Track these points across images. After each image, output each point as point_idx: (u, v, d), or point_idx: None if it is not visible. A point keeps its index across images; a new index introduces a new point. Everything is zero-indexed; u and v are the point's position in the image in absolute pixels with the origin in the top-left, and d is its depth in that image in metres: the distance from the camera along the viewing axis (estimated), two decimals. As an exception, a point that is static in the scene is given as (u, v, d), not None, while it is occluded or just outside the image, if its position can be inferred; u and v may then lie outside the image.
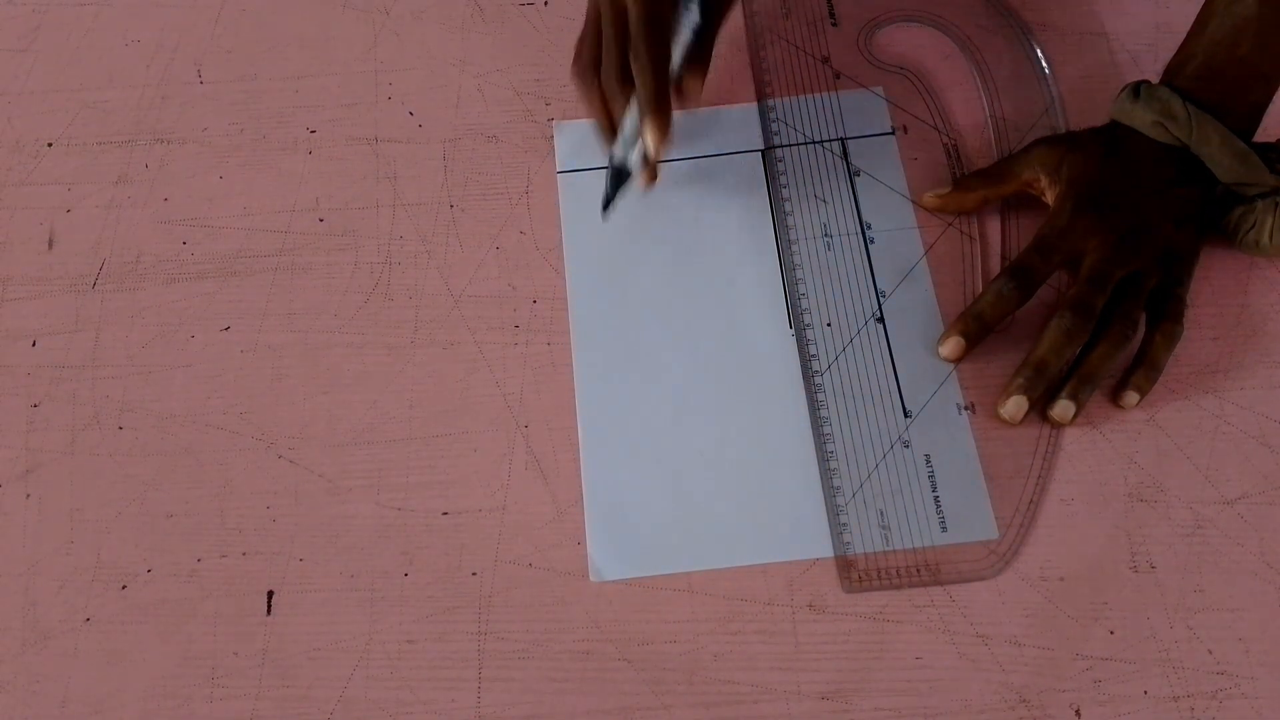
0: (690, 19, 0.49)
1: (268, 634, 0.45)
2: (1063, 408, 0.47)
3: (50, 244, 0.56)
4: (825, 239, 0.53)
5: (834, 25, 0.59)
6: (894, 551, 0.46)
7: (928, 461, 0.47)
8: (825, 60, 0.58)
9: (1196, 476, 0.47)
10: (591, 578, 0.46)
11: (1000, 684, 0.43)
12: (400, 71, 0.60)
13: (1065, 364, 0.48)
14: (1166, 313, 0.49)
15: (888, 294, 0.51)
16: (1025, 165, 0.52)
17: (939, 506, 0.46)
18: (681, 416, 0.49)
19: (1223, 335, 0.50)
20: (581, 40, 0.50)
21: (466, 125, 0.58)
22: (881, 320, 0.51)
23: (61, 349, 0.52)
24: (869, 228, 0.53)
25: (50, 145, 0.59)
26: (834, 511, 0.47)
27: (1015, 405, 0.47)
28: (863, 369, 0.50)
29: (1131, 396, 0.48)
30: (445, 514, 0.48)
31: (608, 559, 0.46)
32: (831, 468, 0.47)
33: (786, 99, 0.57)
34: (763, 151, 0.56)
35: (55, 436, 0.50)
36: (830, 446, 0.48)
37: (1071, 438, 0.48)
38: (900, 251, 0.53)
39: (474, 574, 0.46)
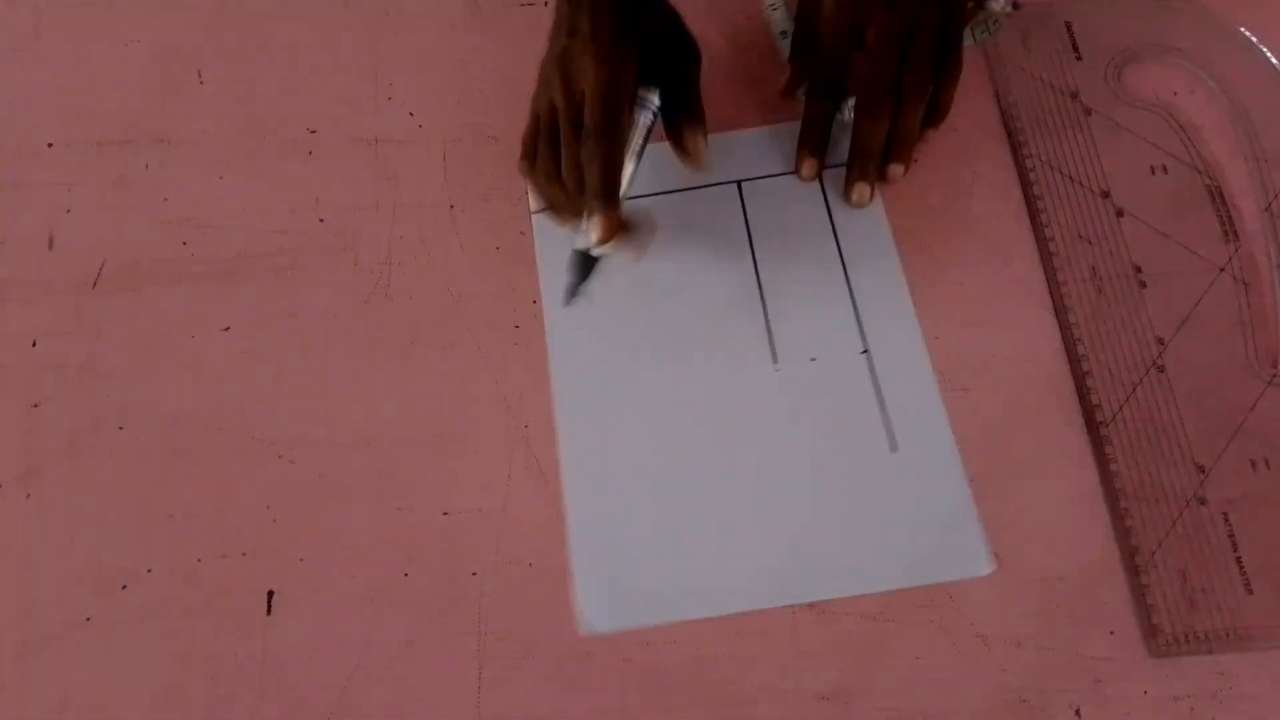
0: (646, 117, 0.48)
1: (267, 634, 0.45)
2: (892, 170, 0.53)
3: (50, 244, 0.56)
4: (1095, 281, 0.51)
5: (1078, 59, 0.57)
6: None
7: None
8: (1074, 95, 0.56)
9: (1197, 475, 0.47)
10: (581, 631, 0.45)
11: (1000, 684, 0.43)
12: (400, 72, 0.60)
13: (884, 137, 0.52)
14: (952, 58, 0.52)
15: (1166, 341, 0.49)
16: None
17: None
18: (669, 458, 0.48)
19: (1225, 333, 0.50)
20: (527, 135, 0.51)
21: (466, 125, 0.58)
22: (1163, 369, 0.49)
23: (61, 350, 0.52)
24: (1139, 270, 0.51)
25: (50, 145, 0.59)
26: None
27: (859, 191, 0.53)
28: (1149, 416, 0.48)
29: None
30: (445, 514, 0.48)
31: (598, 610, 0.45)
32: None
33: (1038, 138, 0.55)
34: (738, 183, 0.55)
35: (55, 437, 0.50)
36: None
37: (1072, 436, 0.48)
38: (1177, 295, 0.51)
39: (474, 574, 0.46)
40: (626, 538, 0.47)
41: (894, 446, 0.48)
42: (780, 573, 0.46)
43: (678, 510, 0.47)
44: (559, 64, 0.48)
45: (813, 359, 0.50)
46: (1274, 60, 0.57)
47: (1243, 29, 0.56)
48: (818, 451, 0.48)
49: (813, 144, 0.54)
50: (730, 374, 0.50)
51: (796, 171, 0.54)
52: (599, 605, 0.45)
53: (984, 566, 0.45)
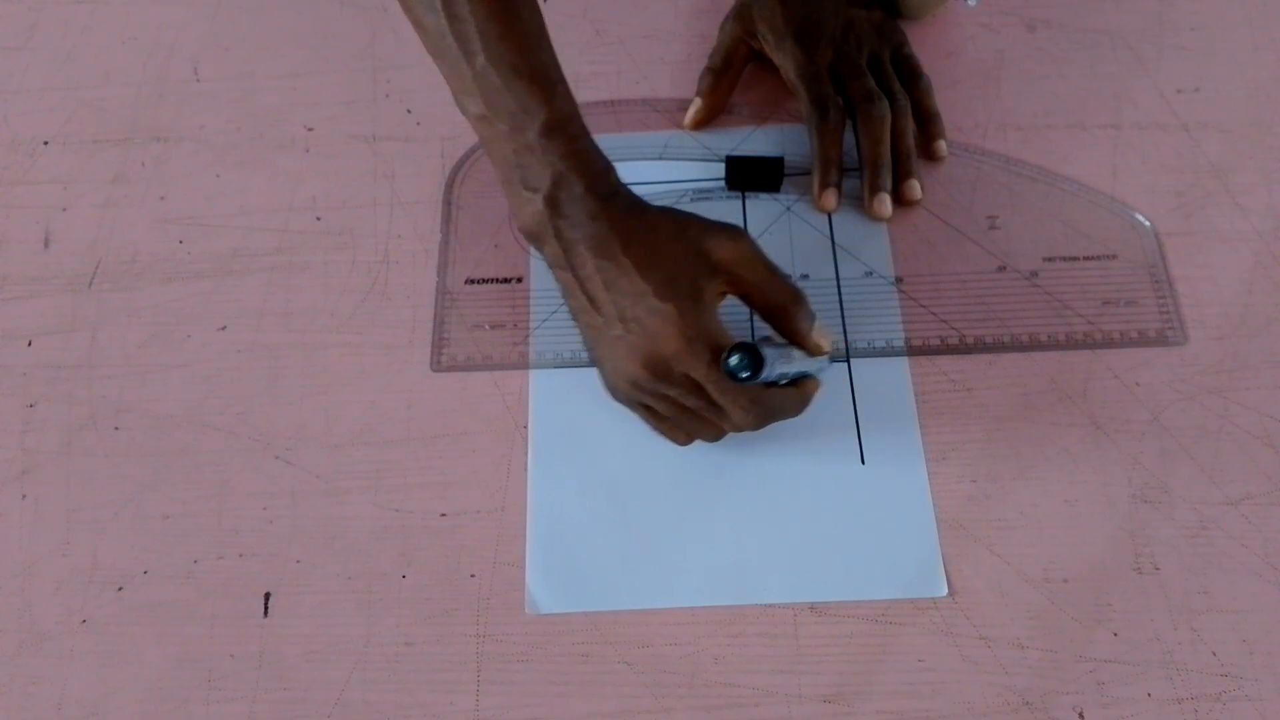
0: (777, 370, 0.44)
1: (265, 636, 0.45)
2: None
3: (46, 243, 0.55)
4: None
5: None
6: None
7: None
8: None
9: (1201, 477, 0.47)
10: (527, 610, 0.45)
11: (1003, 686, 0.43)
12: (398, 69, 0.60)
13: (889, 142, 0.54)
14: (912, 71, 0.56)
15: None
16: (731, 39, 0.57)
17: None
18: (637, 451, 0.48)
19: (1228, 335, 0.50)
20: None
21: (465, 123, 0.57)
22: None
23: (57, 349, 0.52)
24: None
25: (46, 144, 0.59)
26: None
27: (880, 202, 0.53)
28: None
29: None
30: (443, 515, 0.47)
31: (546, 592, 0.45)
32: None
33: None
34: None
35: (51, 437, 0.50)
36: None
37: (1075, 437, 0.48)
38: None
39: (472, 576, 0.46)
40: (583, 528, 0.47)
41: (864, 460, 0.48)
42: (731, 572, 0.46)
43: (638, 503, 0.47)
44: (642, 363, 0.43)
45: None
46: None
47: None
48: (787, 456, 0.48)
49: (831, 177, 0.54)
50: None
51: (817, 202, 0.54)
52: (548, 589, 0.45)
53: (938, 588, 0.45)
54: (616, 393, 0.46)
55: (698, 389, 0.43)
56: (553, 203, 0.43)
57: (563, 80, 0.44)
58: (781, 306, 0.45)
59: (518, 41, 0.43)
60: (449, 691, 0.44)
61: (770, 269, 0.45)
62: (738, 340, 0.42)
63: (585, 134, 0.44)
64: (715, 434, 0.46)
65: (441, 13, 0.42)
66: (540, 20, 0.44)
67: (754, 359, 0.40)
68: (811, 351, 0.46)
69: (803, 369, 0.46)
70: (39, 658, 0.45)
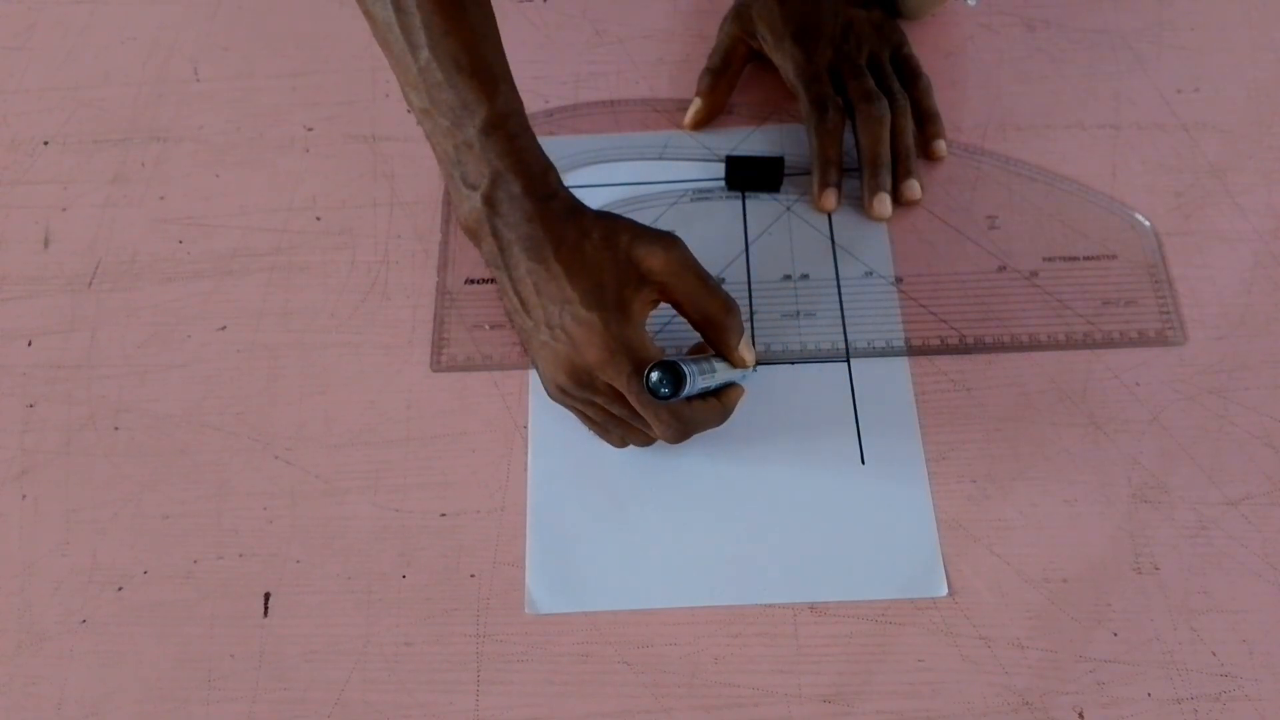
0: (701, 383, 0.44)
1: (264, 636, 0.45)
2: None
3: (46, 243, 0.55)
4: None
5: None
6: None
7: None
8: None
9: (1200, 477, 0.47)
10: (527, 610, 0.45)
11: (1003, 686, 0.43)
12: (398, 69, 0.60)
13: (888, 142, 0.54)
14: (912, 71, 0.56)
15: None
16: (730, 39, 0.57)
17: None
18: (636, 451, 0.48)
19: (1227, 335, 0.50)
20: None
21: (465, 123, 0.58)
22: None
23: (57, 349, 0.52)
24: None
25: (46, 144, 0.59)
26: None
27: (881, 202, 0.53)
28: None
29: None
30: (443, 515, 0.47)
31: (545, 592, 0.45)
32: None
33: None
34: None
35: (51, 437, 0.50)
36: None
37: (1075, 437, 0.48)
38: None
39: (472, 576, 0.46)
40: (583, 528, 0.47)
41: (864, 460, 0.48)
42: (731, 572, 0.46)
43: (638, 503, 0.47)
44: (566, 371, 0.44)
45: (793, 363, 0.50)
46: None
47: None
48: (788, 456, 0.48)
49: (831, 177, 0.54)
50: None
51: (817, 202, 0.54)
52: (548, 589, 0.45)
53: (938, 588, 0.45)
54: (549, 394, 0.46)
55: (621, 398, 0.44)
56: (490, 201, 0.43)
57: (508, 79, 0.44)
58: (711, 318, 0.46)
59: (463, 37, 0.42)
60: (449, 691, 0.44)
61: (701, 279, 0.45)
62: (663, 356, 0.43)
63: (527, 133, 0.44)
64: (644, 440, 0.47)
65: (390, 5, 0.42)
66: (489, 17, 0.44)
67: (674, 377, 0.41)
68: (735, 365, 0.46)
69: (727, 379, 0.46)
70: (39, 658, 0.45)
